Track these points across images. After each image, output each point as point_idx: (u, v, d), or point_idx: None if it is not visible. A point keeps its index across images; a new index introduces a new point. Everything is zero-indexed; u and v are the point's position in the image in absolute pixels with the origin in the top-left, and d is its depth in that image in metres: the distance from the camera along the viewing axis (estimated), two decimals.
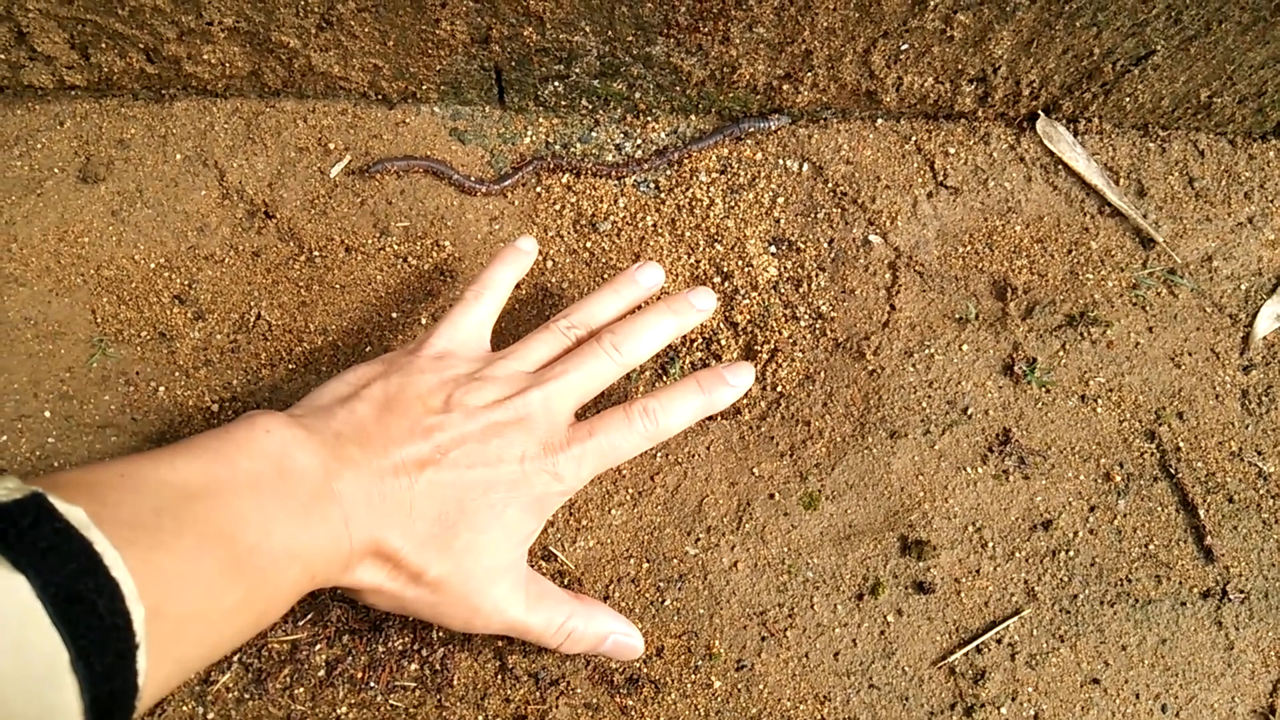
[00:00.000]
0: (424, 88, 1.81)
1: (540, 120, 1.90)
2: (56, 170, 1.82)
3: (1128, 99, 1.84)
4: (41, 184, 1.80)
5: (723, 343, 1.76)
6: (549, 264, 1.79)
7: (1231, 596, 1.57)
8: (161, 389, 1.69)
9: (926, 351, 1.73)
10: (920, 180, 1.86)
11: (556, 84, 1.80)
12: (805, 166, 1.87)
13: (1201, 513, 1.62)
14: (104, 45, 1.69)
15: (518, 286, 1.72)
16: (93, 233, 1.76)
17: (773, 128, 1.87)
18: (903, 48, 1.70)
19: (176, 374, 1.69)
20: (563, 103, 1.86)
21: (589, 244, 1.81)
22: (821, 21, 1.64)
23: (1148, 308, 1.79)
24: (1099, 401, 1.70)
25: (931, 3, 1.60)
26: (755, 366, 1.71)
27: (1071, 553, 1.59)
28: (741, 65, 1.74)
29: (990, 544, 1.59)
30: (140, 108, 1.85)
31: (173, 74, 1.76)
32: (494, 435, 1.08)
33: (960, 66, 1.75)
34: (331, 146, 1.82)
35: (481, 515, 1.04)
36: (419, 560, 0.99)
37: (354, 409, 1.04)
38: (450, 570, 1.02)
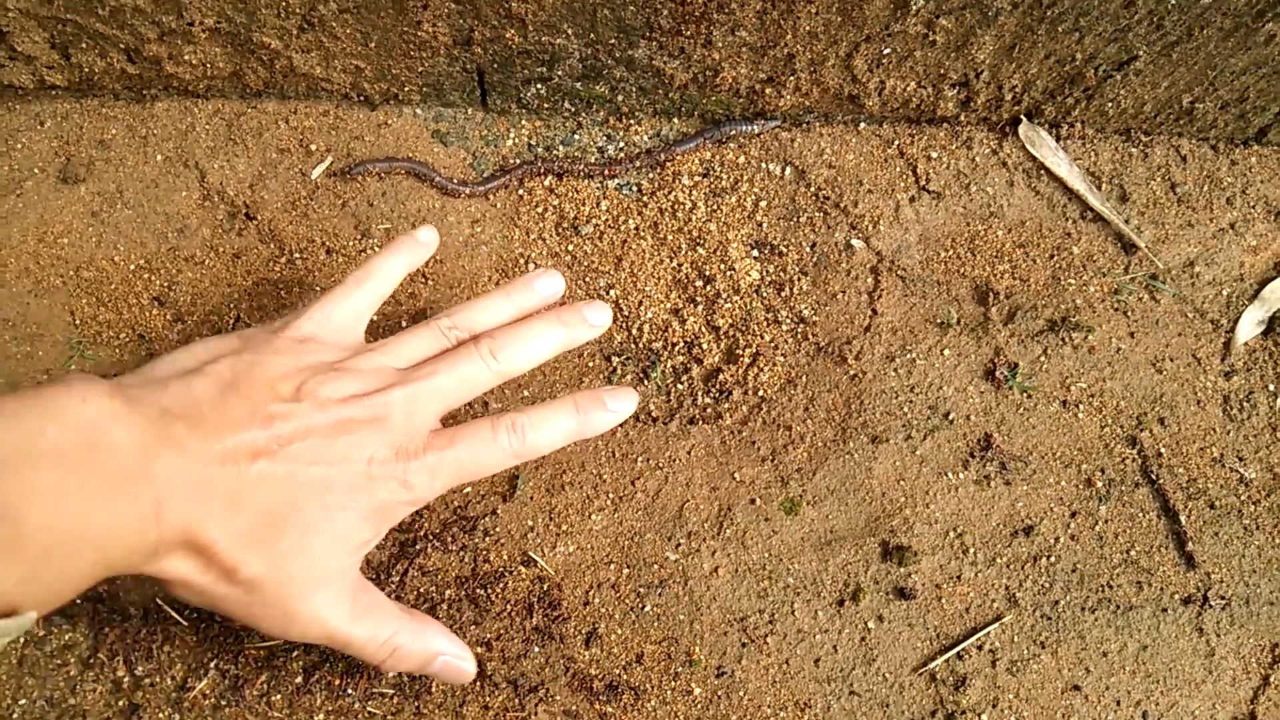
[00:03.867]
0: (406, 89, 1.81)
1: (523, 122, 1.89)
2: (36, 170, 1.80)
3: (1110, 104, 1.84)
4: (21, 184, 1.79)
5: (704, 346, 1.75)
6: (531, 267, 1.79)
7: (1213, 603, 1.57)
8: None
9: (908, 356, 1.72)
10: (903, 184, 1.86)
11: (539, 86, 1.80)
12: (788, 170, 1.87)
13: (1183, 519, 1.62)
14: (85, 45, 1.68)
15: (498, 286, 1.71)
16: (72, 234, 1.75)
17: (757, 130, 1.86)
18: (885, 52, 1.70)
19: None
20: (545, 105, 1.85)
21: (571, 247, 1.80)
22: (803, 25, 1.64)
23: (1129, 313, 1.79)
24: (1080, 407, 1.70)
25: (914, 7, 1.60)
26: (737, 370, 1.70)
27: (1053, 559, 1.59)
28: (724, 68, 1.74)
29: (971, 550, 1.59)
30: (121, 108, 1.84)
31: (154, 74, 1.75)
32: (343, 432, 1.00)
33: (943, 71, 1.75)
34: (313, 148, 1.81)
35: (313, 516, 0.96)
36: (234, 556, 0.91)
37: (192, 385, 0.96)
38: (267, 571, 0.94)
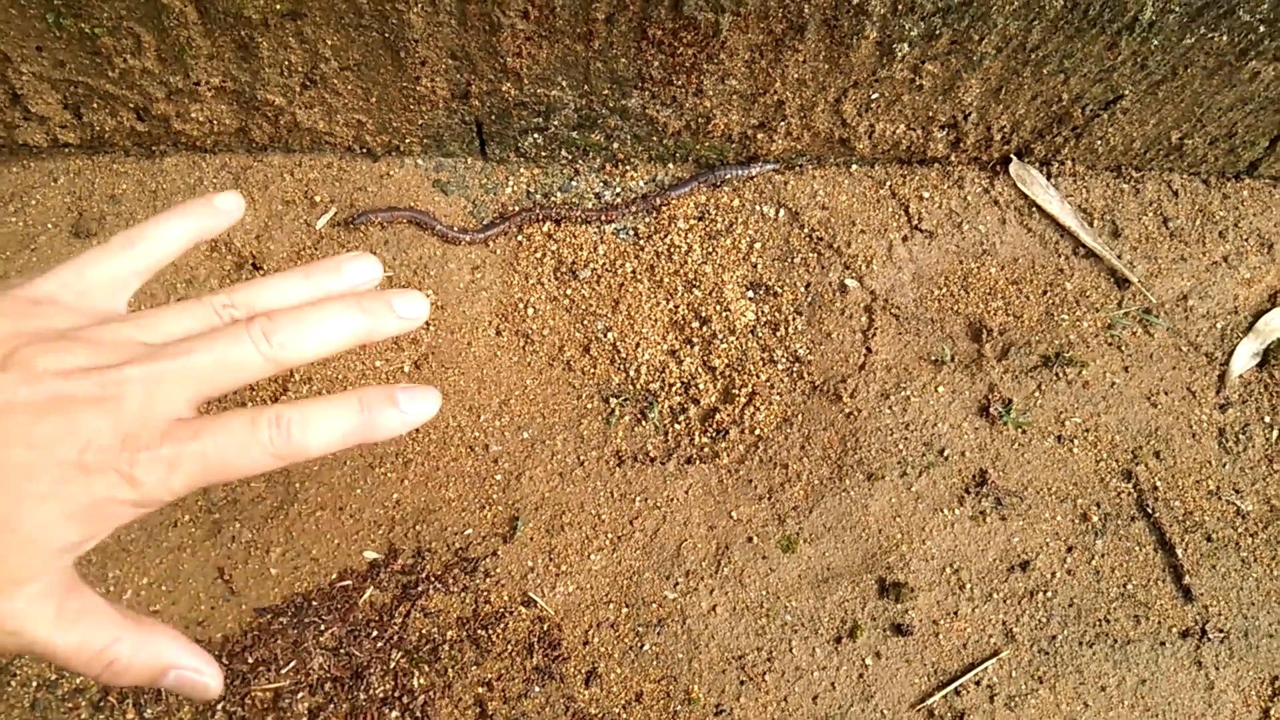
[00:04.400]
0: (407, 141, 1.86)
1: (521, 170, 1.94)
2: (50, 225, 1.86)
3: (1099, 142, 1.87)
4: (35, 239, 1.84)
5: (701, 386, 1.78)
6: (530, 310, 1.82)
7: (1211, 636, 1.57)
8: None
9: (903, 394, 1.74)
10: (895, 224, 1.89)
11: (536, 136, 1.84)
12: (782, 212, 1.90)
13: (1179, 552, 1.62)
14: (95, 105, 1.73)
15: (498, 333, 1.74)
16: None
17: (753, 173, 1.90)
18: (873, 97, 1.74)
19: None
20: (543, 153, 1.90)
21: (569, 290, 1.83)
22: (792, 73, 1.68)
23: (1123, 348, 1.80)
24: (1075, 442, 1.71)
25: (899, 53, 1.64)
26: (734, 410, 1.73)
27: (1050, 593, 1.60)
28: (716, 115, 1.78)
29: (968, 585, 1.60)
30: (131, 164, 1.89)
31: (162, 131, 1.80)
32: (55, 411, 0.81)
33: (931, 114, 1.79)
34: (318, 199, 1.86)
35: (7, 508, 0.79)
36: None
37: None
38: None
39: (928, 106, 1.76)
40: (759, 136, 1.83)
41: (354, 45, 1.63)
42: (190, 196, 1.87)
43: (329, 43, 1.62)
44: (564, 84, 1.70)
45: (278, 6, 1.55)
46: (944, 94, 1.73)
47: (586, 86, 1.71)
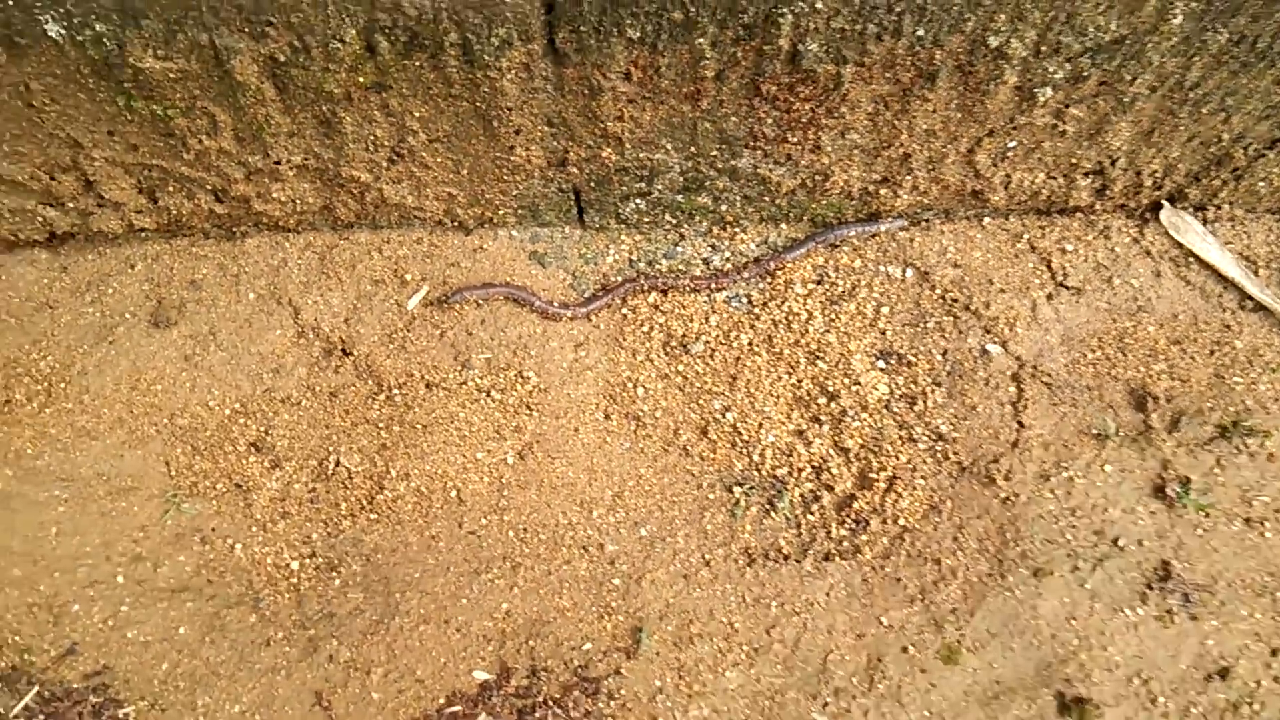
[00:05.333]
0: (500, 212, 1.73)
1: (622, 238, 1.80)
2: (128, 315, 1.76)
3: (1262, 183, 1.68)
4: (113, 330, 1.75)
5: (834, 471, 1.61)
6: (640, 390, 1.67)
7: None
8: (238, 546, 1.59)
9: (1064, 474, 1.56)
10: (1038, 281, 1.71)
11: (638, 201, 1.70)
12: (909, 272, 1.73)
13: None
14: (171, 188, 1.64)
15: (607, 416, 1.60)
16: (165, 379, 1.69)
17: (878, 231, 1.74)
18: (1010, 145, 1.57)
19: (253, 529, 1.60)
20: (645, 219, 1.75)
21: (681, 367, 1.68)
22: (920, 124, 1.52)
23: None
24: (1266, 524, 1.50)
25: (1041, 98, 1.47)
26: (873, 496, 1.56)
27: (1255, 705, 1.39)
28: (834, 172, 1.62)
29: (1160, 698, 1.39)
30: (211, 246, 1.79)
31: (242, 212, 1.70)
32: None
33: (1074, 160, 1.61)
34: (408, 277, 1.74)
35: None
36: None
37: None
38: None
39: (1071, 153, 1.59)
40: (882, 192, 1.67)
41: (443, 116, 1.51)
42: (274, 278, 1.76)
43: (416, 114, 1.50)
44: (669, 146, 1.56)
45: (361, 79, 1.43)
46: (1089, 139, 1.56)
47: (693, 148, 1.57)
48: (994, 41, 1.36)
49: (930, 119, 1.51)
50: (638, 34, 1.34)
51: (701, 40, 1.35)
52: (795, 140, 1.55)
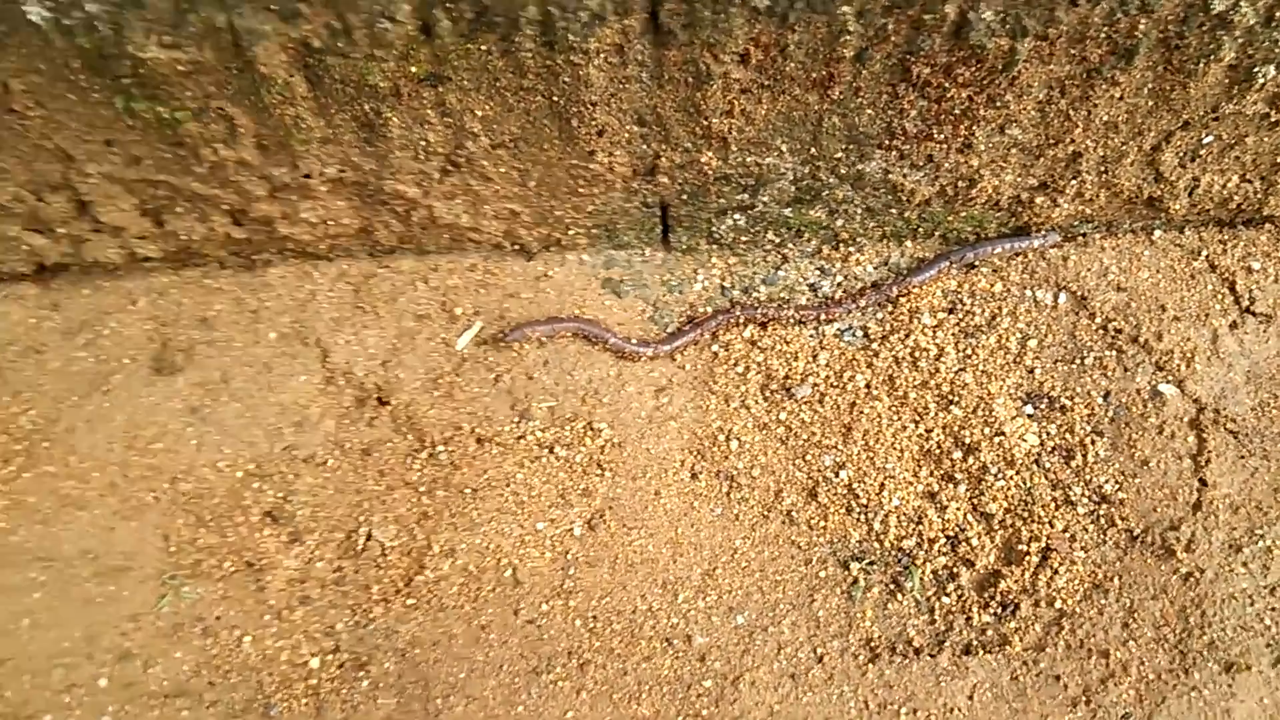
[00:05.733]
0: (571, 233, 1.45)
1: (713, 260, 1.52)
2: (126, 360, 1.49)
3: None
4: (108, 379, 1.47)
5: (974, 542, 1.33)
6: (733, 444, 1.39)
7: None
8: (247, 639, 1.33)
9: (1260, 544, 1.29)
10: (1219, 307, 1.42)
11: (737, 217, 1.42)
12: (1063, 298, 1.45)
13: None
14: (180, 209, 1.37)
15: (694, 476, 1.31)
16: (167, 436, 1.42)
17: (1030, 248, 1.45)
18: (1205, 140, 1.28)
19: (266, 617, 1.35)
20: (743, 238, 1.48)
21: (784, 414, 1.41)
22: (1100, 115, 1.23)
23: None
24: None
25: (1260, 80, 1.18)
26: (1022, 574, 1.27)
27: None
28: (983, 176, 1.34)
29: None
30: (227, 278, 1.53)
31: (265, 237, 1.43)
32: None
33: (1279, 159, 1.31)
34: (458, 311, 1.48)
35: None
36: None
37: None
38: None
39: (1278, 149, 1.29)
40: (1037, 200, 1.38)
41: (511, 115, 1.24)
42: (299, 314, 1.48)
43: (478, 114, 1.23)
44: (783, 148, 1.29)
45: (414, 69, 1.16)
46: None
47: (814, 149, 1.29)
48: (1218, 6, 1.07)
49: (1114, 109, 1.23)
50: (765, 1, 1.06)
51: (846, 9, 1.07)
52: (942, 138, 1.27)
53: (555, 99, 1.22)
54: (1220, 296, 1.43)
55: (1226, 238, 1.46)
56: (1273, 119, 1.24)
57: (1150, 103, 1.22)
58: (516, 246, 1.48)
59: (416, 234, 1.45)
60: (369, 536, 1.39)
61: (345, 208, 1.39)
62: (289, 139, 1.28)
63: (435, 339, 1.48)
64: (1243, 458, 1.33)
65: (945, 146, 1.29)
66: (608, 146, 1.28)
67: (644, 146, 1.29)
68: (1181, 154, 1.31)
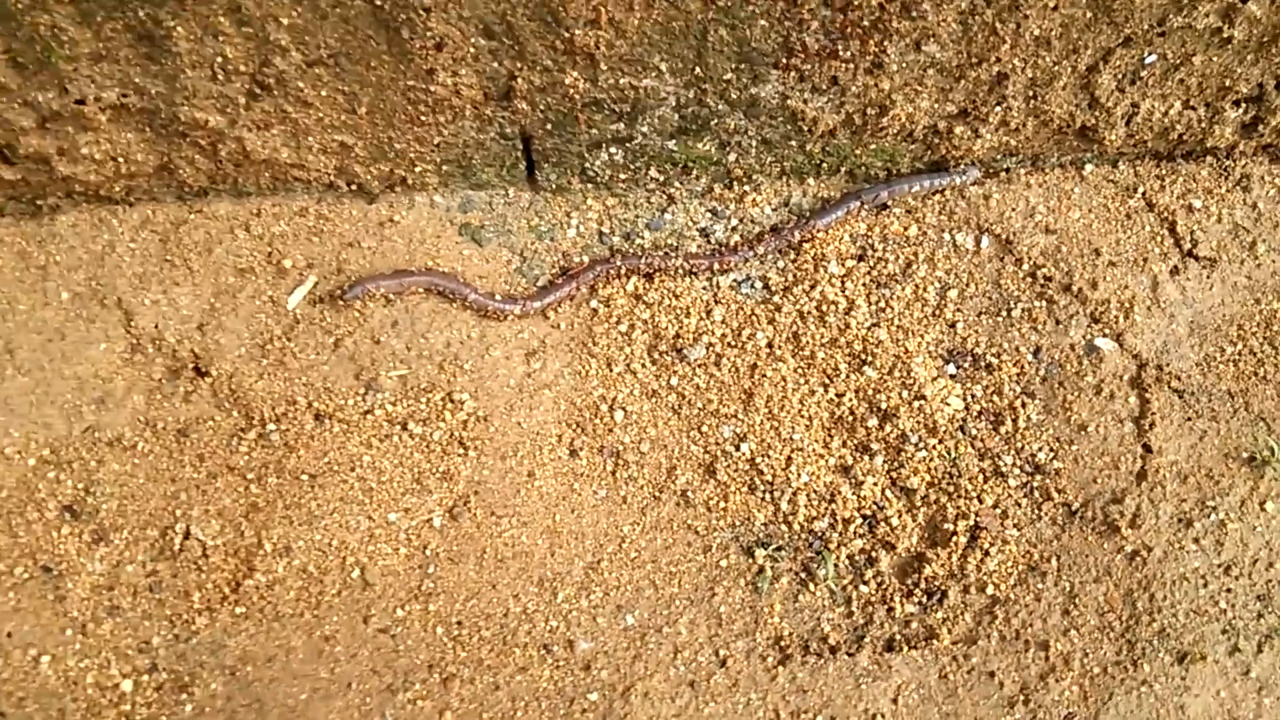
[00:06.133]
0: (418, 170, 1.25)
1: (588, 202, 1.33)
2: None
3: None
4: None
5: (893, 521, 1.21)
6: (618, 415, 1.25)
7: None
8: (46, 659, 1.17)
9: (1212, 517, 1.19)
10: (1159, 250, 1.30)
11: (613, 150, 1.24)
12: (985, 241, 1.31)
13: None
14: None
15: (573, 453, 1.14)
16: None
17: (948, 185, 1.28)
18: (1148, 60, 1.12)
19: (68, 632, 1.18)
20: (621, 176, 1.29)
21: (675, 380, 1.26)
22: (1031, 27, 1.07)
23: None
24: None
25: None
26: (949, 556, 1.14)
27: None
28: (895, 102, 1.17)
29: None
30: (6, 227, 1.30)
31: (44, 178, 1.21)
32: None
33: (1228, 83, 1.17)
34: (287, 264, 1.28)
35: None
36: None
37: None
38: None
39: (1227, 71, 1.16)
40: (956, 131, 1.23)
41: (326, 25, 1.05)
42: (96, 270, 1.25)
43: (284, 22, 1.04)
44: (663, 67, 1.12)
45: None
46: (1259, 50, 1.11)
47: (699, 69, 1.11)
48: None
49: (1047, 20, 1.08)
50: None
51: None
52: (848, 55, 1.12)
53: (379, 3, 0.99)
54: (1159, 239, 1.31)
55: (1165, 172, 1.32)
56: (1224, 35, 1.10)
57: (1088, 14, 1.06)
58: (354, 186, 1.27)
59: (230, 172, 1.23)
60: (187, 534, 1.23)
61: (136, 141, 1.17)
62: (50, 55, 1.05)
63: (261, 297, 1.29)
64: (1189, 419, 1.24)
65: (852, 66, 1.12)
66: (450, 64, 1.08)
67: (495, 64, 1.09)
68: (1120, 76, 1.15)
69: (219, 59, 1.06)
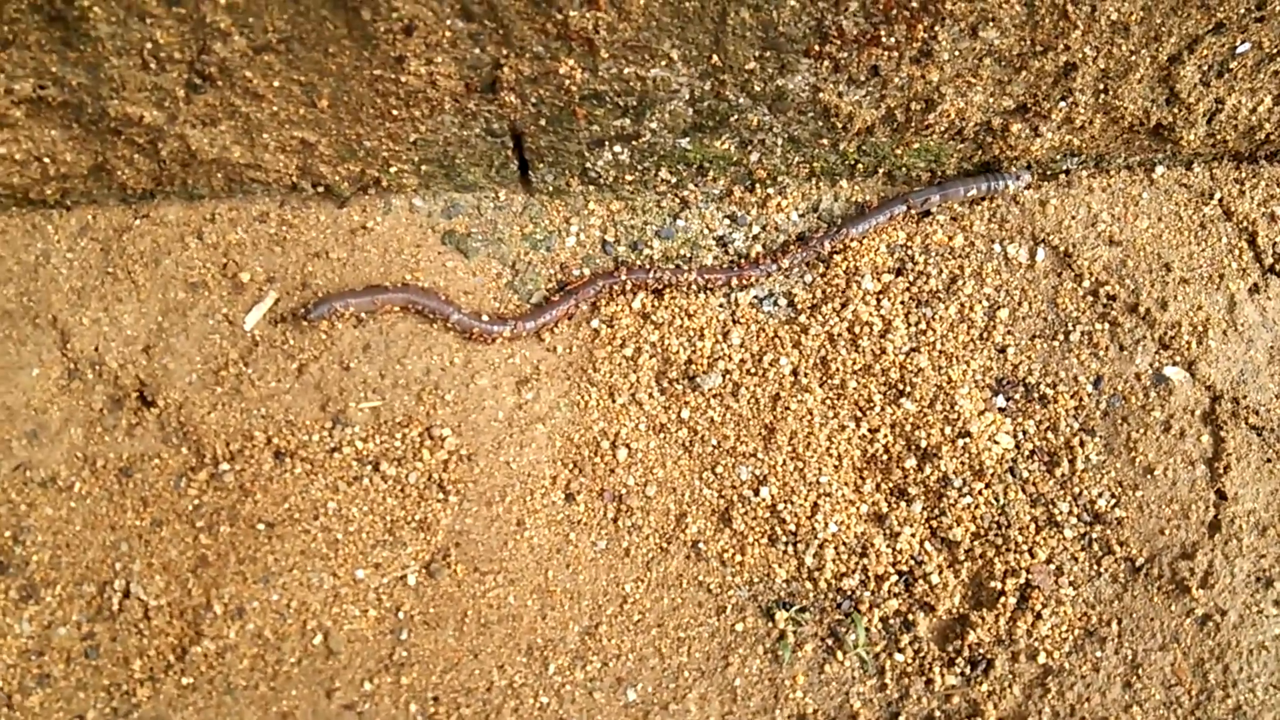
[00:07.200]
0: (393, 170, 1.11)
1: (590, 206, 1.19)
2: None
3: None
4: None
5: (933, 579, 1.10)
6: (621, 453, 1.14)
7: None
8: None
9: None
10: (1236, 266, 1.17)
11: (618, 149, 1.11)
12: (1040, 254, 1.17)
13: None
14: None
15: (569, 497, 0.99)
16: None
17: (1002, 189, 1.13)
18: (1240, 49, 0.97)
19: None
20: (628, 177, 1.16)
21: (686, 412, 1.14)
22: (1109, 10, 0.91)
23: None
24: None
25: None
26: (996, 620, 1.02)
27: None
28: (944, 96, 1.03)
29: None
30: None
31: None
32: None
33: None
34: (245, 277, 1.17)
35: None
36: None
37: None
38: None
39: None
40: (1013, 129, 1.09)
41: (273, 5, 0.92)
42: (27, 284, 1.12)
43: (222, 2, 0.88)
44: (674, 55, 0.99)
45: None
46: None
47: (716, 57, 0.98)
48: None
49: (1128, 3, 0.92)
50: None
51: None
52: (892, 42, 0.97)
53: None
54: (1238, 252, 1.19)
55: (1245, 175, 1.19)
56: None
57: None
58: (320, 188, 1.14)
59: (176, 173, 1.10)
60: (127, 591, 1.14)
61: (62, 139, 1.04)
62: None
63: (215, 315, 1.18)
64: (1269, 461, 1.11)
65: (896, 54, 0.99)
66: (422, 50, 0.94)
67: (476, 51, 0.96)
68: (1206, 67, 1.01)
69: (148, 45, 0.91)
